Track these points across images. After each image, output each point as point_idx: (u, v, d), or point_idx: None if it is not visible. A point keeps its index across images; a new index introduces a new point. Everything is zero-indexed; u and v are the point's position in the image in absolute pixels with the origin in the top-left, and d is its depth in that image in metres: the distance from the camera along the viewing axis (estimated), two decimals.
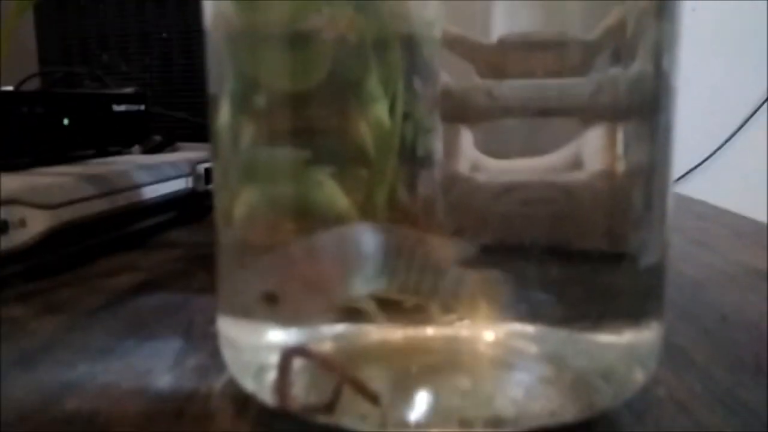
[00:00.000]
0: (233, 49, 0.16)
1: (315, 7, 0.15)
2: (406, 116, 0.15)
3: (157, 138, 0.44)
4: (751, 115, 0.91)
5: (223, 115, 0.16)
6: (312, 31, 0.15)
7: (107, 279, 0.27)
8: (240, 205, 0.17)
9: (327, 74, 0.15)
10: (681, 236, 0.33)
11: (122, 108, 0.40)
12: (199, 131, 0.50)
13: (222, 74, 0.16)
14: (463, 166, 0.15)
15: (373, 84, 0.15)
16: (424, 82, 0.15)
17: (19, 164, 0.33)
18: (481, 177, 0.15)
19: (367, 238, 0.15)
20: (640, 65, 0.16)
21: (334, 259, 0.15)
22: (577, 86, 0.15)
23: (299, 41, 0.15)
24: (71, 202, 0.29)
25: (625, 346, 0.16)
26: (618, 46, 0.15)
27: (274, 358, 0.16)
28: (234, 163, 0.17)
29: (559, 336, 0.16)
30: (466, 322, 0.16)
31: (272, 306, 0.15)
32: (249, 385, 0.16)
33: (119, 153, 0.41)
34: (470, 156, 0.15)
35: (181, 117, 0.50)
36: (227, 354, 0.17)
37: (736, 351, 0.19)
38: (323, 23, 0.15)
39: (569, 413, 0.15)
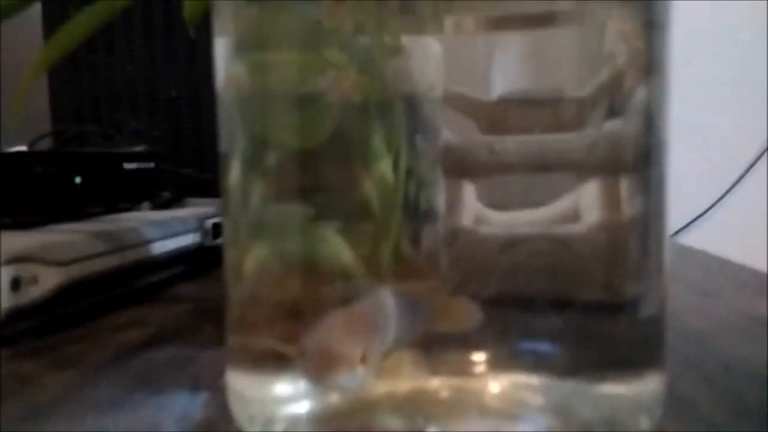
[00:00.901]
0: (244, 110, 0.17)
1: (320, 70, 0.16)
2: (409, 172, 0.16)
3: (167, 194, 0.45)
4: (752, 165, 0.92)
5: (234, 173, 0.17)
6: (318, 92, 0.16)
7: (116, 333, 0.28)
8: (249, 261, 0.17)
9: (332, 133, 0.16)
10: (683, 286, 0.34)
11: (133, 166, 0.41)
12: (207, 187, 0.51)
13: (233, 134, 0.17)
14: (465, 220, 0.16)
15: (377, 142, 0.16)
16: (426, 139, 0.16)
17: (32, 222, 0.33)
18: (483, 230, 0.16)
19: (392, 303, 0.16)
20: (632, 120, 0.16)
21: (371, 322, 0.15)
22: (572, 141, 0.16)
23: (306, 102, 0.16)
24: (82, 259, 0.30)
25: (630, 396, 0.16)
26: (611, 101, 0.16)
27: (281, 411, 0.16)
28: (244, 219, 0.17)
29: (563, 387, 0.16)
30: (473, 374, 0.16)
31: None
32: None
33: (129, 209, 0.42)
34: (472, 209, 0.16)
35: (189, 173, 0.51)
36: (235, 407, 0.17)
37: (739, 399, 0.19)
38: (328, 85, 0.16)
39: None
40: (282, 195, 0.17)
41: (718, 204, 0.92)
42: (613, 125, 0.16)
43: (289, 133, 0.16)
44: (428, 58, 0.16)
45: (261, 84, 0.17)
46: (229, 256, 0.18)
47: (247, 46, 0.17)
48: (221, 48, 0.17)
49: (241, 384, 0.17)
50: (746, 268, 0.39)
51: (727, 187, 0.92)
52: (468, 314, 0.16)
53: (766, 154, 0.92)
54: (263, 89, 0.17)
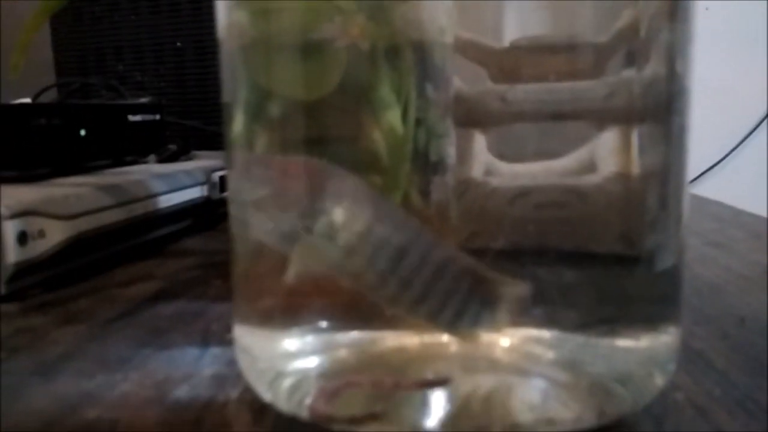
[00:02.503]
0: (246, 59, 0.16)
1: (327, 16, 0.15)
2: (419, 122, 0.15)
3: (173, 147, 0.44)
4: (767, 115, 0.91)
5: (237, 123, 0.17)
6: (324, 40, 0.15)
7: (124, 288, 0.28)
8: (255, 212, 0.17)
9: (339, 82, 0.15)
10: (697, 238, 0.33)
11: (138, 118, 0.41)
12: (214, 140, 0.51)
13: (235, 84, 0.17)
14: (476, 171, 0.15)
15: (386, 91, 0.15)
16: (436, 88, 0.15)
17: (37, 175, 0.33)
18: (494, 181, 0.15)
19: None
20: (653, 67, 0.15)
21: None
22: (590, 89, 0.15)
23: (312, 50, 0.15)
24: (88, 213, 0.29)
25: (643, 350, 0.16)
26: (630, 48, 0.15)
27: (289, 366, 0.16)
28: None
29: (575, 341, 0.16)
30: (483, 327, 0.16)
31: None
32: (265, 393, 0.16)
33: (135, 162, 0.41)
34: (484, 160, 0.15)
35: (195, 126, 0.51)
36: (243, 362, 0.17)
37: (755, 354, 0.19)
38: (335, 31, 0.15)
39: (588, 419, 0.15)
40: (287, 146, 0.16)
41: (732, 154, 0.91)
42: (632, 72, 0.15)
43: (294, 84, 0.15)
44: (438, 4, 0.15)
45: (263, 31, 0.16)
46: (235, 208, 0.17)
47: None
48: None
49: (248, 339, 0.17)
50: (761, 218, 0.38)
51: (742, 136, 0.91)
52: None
53: None
54: (266, 36, 0.16)
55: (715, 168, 0.90)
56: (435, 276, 0.15)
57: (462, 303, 0.15)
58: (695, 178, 0.88)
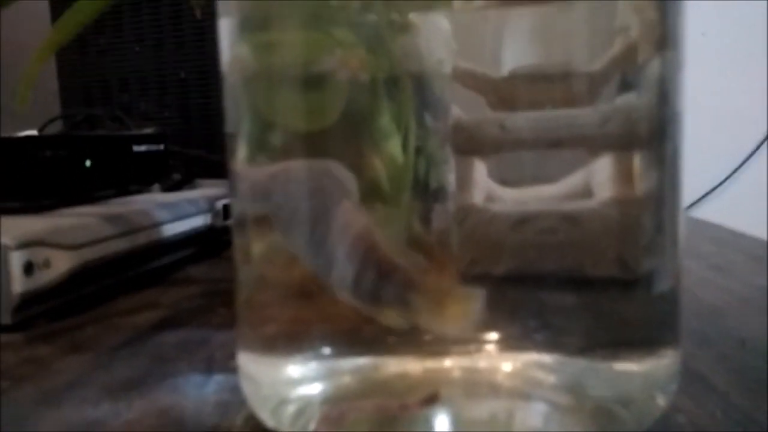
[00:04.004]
0: (249, 92, 0.17)
1: (327, 48, 0.15)
2: (419, 151, 0.15)
3: (177, 176, 0.45)
4: (767, 138, 0.91)
5: (241, 154, 0.17)
6: (325, 72, 0.16)
7: (129, 316, 0.28)
8: (258, 242, 0.17)
9: (341, 113, 0.15)
10: (698, 262, 0.33)
11: (142, 148, 0.41)
12: (218, 168, 0.51)
13: (239, 115, 0.17)
14: (476, 197, 0.15)
15: (386, 121, 0.16)
16: (435, 117, 0.16)
17: (43, 206, 0.34)
18: (494, 207, 0.15)
19: None
20: (645, 94, 0.16)
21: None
22: (585, 116, 0.15)
23: (313, 83, 0.16)
24: (94, 242, 0.30)
25: (644, 373, 0.16)
26: (623, 76, 0.16)
27: (293, 393, 0.16)
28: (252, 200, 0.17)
29: (577, 365, 0.16)
30: (484, 352, 0.16)
31: None
32: (268, 419, 0.16)
33: (140, 192, 0.42)
34: (483, 187, 0.15)
35: (198, 155, 0.51)
36: (247, 389, 0.17)
37: (755, 376, 0.19)
38: (336, 64, 0.15)
39: None
40: None
41: (732, 177, 0.91)
42: (626, 99, 0.16)
43: (297, 115, 0.16)
44: (437, 35, 0.15)
45: (265, 64, 0.16)
46: (238, 238, 0.17)
47: (250, 25, 0.17)
48: (225, 29, 0.17)
49: (252, 366, 0.17)
50: (760, 241, 0.38)
51: (742, 159, 0.91)
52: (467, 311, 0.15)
53: None
54: (268, 70, 0.16)
55: (716, 191, 0.90)
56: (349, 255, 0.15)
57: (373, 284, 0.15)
58: (695, 202, 0.88)
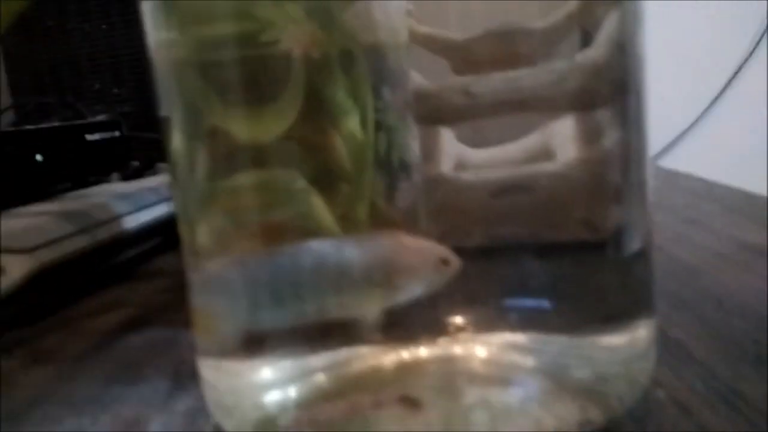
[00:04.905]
0: (181, 84, 0.16)
1: (276, 25, 0.14)
2: (379, 125, 0.15)
3: (136, 163, 0.43)
4: (731, 80, 0.91)
5: (176, 140, 0.16)
6: (272, 54, 0.14)
7: (93, 319, 0.27)
8: (204, 234, 0.16)
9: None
10: (669, 215, 0.33)
11: (96, 137, 0.40)
12: None
13: (170, 100, 0.16)
14: (444, 167, 0.15)
15: (342, 97, 0.15)
16: (393, 89, 0.15)
17: None
18: (463, 177, 0.15)
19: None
20: (604, 49, 0.15)
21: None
22: (544, 74, 0.15)
23: (261, 75, 0.15)
24: (50, 243, 0.28)
25: (622, 346, 0.16)
26: (581, 30, 0.15)
27: (255, 400, 0.16)
28: (192, 189, 0.16)
29: (553, 344, 0.16)
30: (458, 337, 0.16)
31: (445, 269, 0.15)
32: (229, 427, 0.15)
33: (98, 183, 0.40)
34: (452, 154, 0.15)
35: (157, 138, 0.49)
36: (209, 396, 0.16)
37: (735, 340, 0.19)
38: (288, 43, 0.14)
39: (572, 425, 0.14)
40: (234, 161, 0.15)
41: (699, 121, 0.91)
42: (584, 55, 0.15)
43: (240, 126, 0.15)
44: (390, 3, 0.14)
45: (197, 50, 0.15)
46: (183, 231, 0.16)
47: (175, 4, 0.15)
48: (148, 9, 0.16)
49: (211, 373, 0.16)
50: (735, 190, 0.38)
51: (707, 103, 0.91)
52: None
53: (750, 59, 0.91)
54: (200, 57, 0.15)
55: (683, 138, 0.90)
56: None
57: None
58: (663, 150, 0.88)
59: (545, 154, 0.15)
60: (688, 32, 0.88)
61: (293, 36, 0.14)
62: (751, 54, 0.89)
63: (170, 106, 0.16)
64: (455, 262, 0.14)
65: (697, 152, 0.87)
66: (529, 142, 0.15)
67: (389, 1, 0.14)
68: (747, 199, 0.36)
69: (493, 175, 0.15)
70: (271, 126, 0.14)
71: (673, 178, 0.44)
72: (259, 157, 0.15)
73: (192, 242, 0.16)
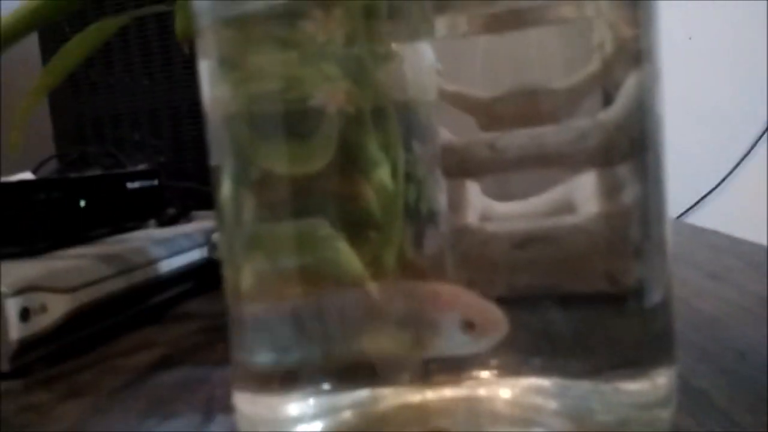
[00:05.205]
0: (231, 132, 0.17)
1: (315, 83, 0.15)
2: (408, 177, 0.15)
3: (172, 210, 0.45)
4: (758, 140, 0.91)
5: (225, 187, 0.17)
6: (313, 110, 0.16)
7: (127, 358, 0.28)
8: (246, 276, 0.17)
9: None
10: (694, 270, 0.33)
11: (136, 185, 0.42)
12: (212, 199, 0.51)
13: (222, 150, 0.17)
14: (470, 218, 0.16)
15: (374, 150, 0.16)
16: (422, 142, 0.16)
17: (38, 249, 0.34)
18: (488, 228, 0.16)
19: None
20: (623, 108, 0.16)
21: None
22: (565, 132, 0.16)
23: (299, 124, 0.16)
24: (90, 284, 0.30)
25: (642, 392, 0.16)
26: (602, 91, 0.16)
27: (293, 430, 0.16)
28: (238, 234, 0.17)
29: (576, 389, 0.16)
30: (482, 380, 0.16)
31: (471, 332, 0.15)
32: None
33: (135, 228, 0.42)
34: (477, 206, 0.16)
35: (192, 187, 0.51)
36: (244, 429, 0.17)
37: (756, 391, 0.19)
38: (323, 99, 0.15)
39: None
40: (277, 210, 0.16)
41: (726, 181, 0.91)
42: (605, 114, 0.16)
43: (282, 161, 0.16)
44: (420, 63, 0.15)
45: (246, 104, 0.16)
46: (227, 273, 0.17)
47: (230, 65, 0.17)
48: (205, 69, 0.17)
49: (248, 406, 0.17)
50: (759, 246, 0.38)
51: (735, 162, 0.91)
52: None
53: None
54: (249, 109, 0.16)
55: (709, 197, 0.90)
56: None
57: None
58: (690, 208, 0.88)
59: (567, 208, 0.16)
60: (715, 93, 0.89)
61: (327, 92, 0.16)
62: None
63: (221, 156, 0.17)
64: (488, 327, 0.15)
65: (724, 210, 0.87)
66: (552, 196, 0.16)
67: (420, 60, 0.16)
68: None
69: (516, 227, 0.16)
70: (306, 162, 0.15)
71: (698, 234, 0.45)
72: (296, 203, 0.16)
73: (236, 284, 0.17)
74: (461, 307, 0.15)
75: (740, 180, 0.91)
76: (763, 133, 0.91)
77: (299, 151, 0.16)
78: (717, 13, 0.89)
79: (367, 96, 0.16)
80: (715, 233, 0.44)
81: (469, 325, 0.15)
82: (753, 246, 0.39)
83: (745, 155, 0.91)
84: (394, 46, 0.15)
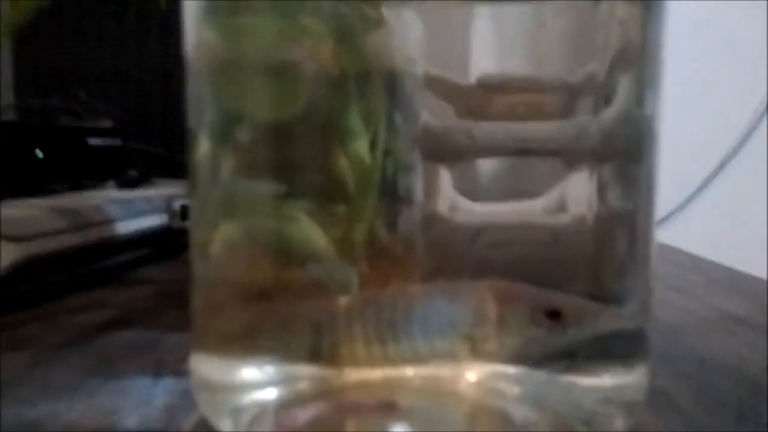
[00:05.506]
0: (214, 78, 0.16)
1: (297, 37, 0.15)
2: (387, 153, 0.15)
3: (133, 173, 0.43)
4: (722, 165, 0.94)
5: (202, 148, 0.16)
6: (293, 62, 0.15)
7: (75, 315, 0.27)
8: (217, 239, 0.16)
9: (307, 107, 0.15)
10: (657, 283, 0.33)
11: (98, 142, 0.40)
12: (176, 168, 0.50)
13: (201, 107, 0.16)
14: (441, 206, 0.15)
15: (354, 119, 0.15)
16: (405, 119, 0.15)
17: None
18: (458, 217, 0.15)
19: None
20: (623, 109, 0.16)
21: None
22: (557, 129, 0.15)
23: (280, 71, 0.15)
24: (41, 235, 0.28)
25: (608, 389, 0.16)
26: (600, 91, 0.15)
27: (248, 397, 0.16)
28: (212, 196, 0.16)
29: (541, 378, 0.16)
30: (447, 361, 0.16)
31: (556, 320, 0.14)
32: (223, 425, 0.15)
33: (94, 187, 0.40)
34: (449, 195, 0.15)
35: (158, 153, 0.50)
36: (200, 393, 0.16)
37: (717, 394, 0.19)
38: (305, 54, 0.15)
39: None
40: (252, 171, 0.16)
41: (690, 202, 0.93)
42: (603, 116, 0.15)
43: (262, 104, 0.15)
44: (409, 35, 0.15)
45: (233, 50, 0.16)
46: (196, 235, 0.17)
47: (218, 10, 0.16)
48: (191, 12, 0.16)
49: (206, 369, 0.16)
50: (718, 265, 0.39)
51: (697, 185, 0.93)
52: None
53: (736, 153, 0.93)
54: (234, 56, 0.16)
55: (673, 215, 0.92)
56: None
57: None
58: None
59: (555, 207, 0.15)
60: (680, 119, 0.91)
61: (311, 49, 0.15)
62: (747, 138, 0.92)
63: (199, 116, 0.16)
64: (574, 315, 0.14)
65: (685, 231, 0.89)
66: (540, 195, 0.15)
67: (409, 33, 0.15)
68: (730, 274, 0.36)
69: (483, 220, 0.15)
70: (286, 103, 0.15)
71: (662, 250, 0.45)
72: (272, 166, 0.16)
73: (205, 247, 0.16)
74: (538, 299, 0.15)
75: (700, 203, 0.93)
76: (727, 160, 0.94)
77: (277, 93, 0.15)
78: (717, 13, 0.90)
79: (353, 60, 0.15)
80: (677, 250, 0.45)
81: (549, 315, 0.14)
82: (712, 264, 0.39)
83: (708, 181, 0.94)
84: (384, 11, 0.15)
